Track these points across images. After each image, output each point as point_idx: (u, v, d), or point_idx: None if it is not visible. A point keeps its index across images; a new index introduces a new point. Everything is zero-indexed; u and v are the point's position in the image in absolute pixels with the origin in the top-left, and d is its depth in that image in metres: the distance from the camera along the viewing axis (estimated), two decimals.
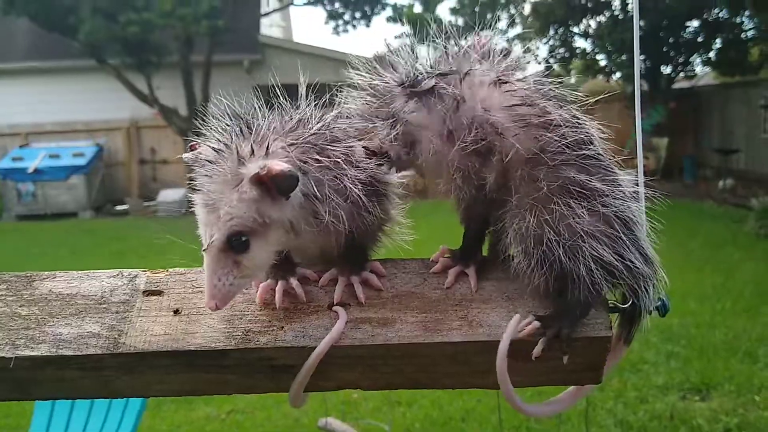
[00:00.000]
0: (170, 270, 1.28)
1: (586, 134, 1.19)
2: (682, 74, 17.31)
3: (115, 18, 14.42)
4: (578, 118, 1.20)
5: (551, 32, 17.54)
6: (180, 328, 1.18)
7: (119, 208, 16.50)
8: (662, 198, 1.23)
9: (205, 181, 1.11)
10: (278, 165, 1.07)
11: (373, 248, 1.32)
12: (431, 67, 1.23)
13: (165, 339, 1.16)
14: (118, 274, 1.27)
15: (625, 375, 4.90)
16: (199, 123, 1.19)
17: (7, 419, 4.68)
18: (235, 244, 1.10)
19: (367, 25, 19.36)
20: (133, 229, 13.49)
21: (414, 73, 1.22)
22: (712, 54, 16.86)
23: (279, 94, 1.22)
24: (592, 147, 1.18)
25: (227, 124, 1.16)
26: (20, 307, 1.22)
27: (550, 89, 1.22)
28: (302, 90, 1.22)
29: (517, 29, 18.89)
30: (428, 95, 1.20)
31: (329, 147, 1.16)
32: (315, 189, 1.13)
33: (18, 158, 15.77)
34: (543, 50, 18.35)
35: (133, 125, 17.50)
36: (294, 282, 1.23)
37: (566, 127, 1.16)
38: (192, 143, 1.17)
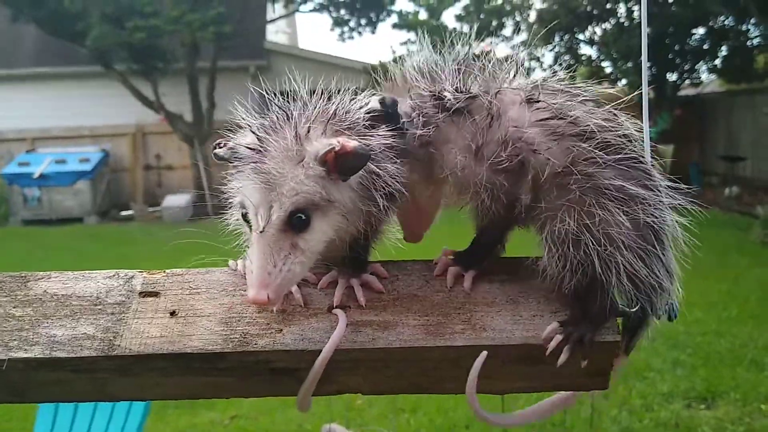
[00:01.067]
0: (167, 271, 1.26)
1: (624, 136, 1.17)
2: (687, 81, 17.28)
3: (122, 24, 14.48)
4: (616, 118, 1.19)
5: (557, 39, 17.54)
6: (176, 330, 1.15)
7: (124, 213, 16.52)
8: (697, 210, 1.20)
9: (255, 162, 1.08)
10: (351, 142, 1.06)
11: (373, 248, 1.29)
12: (461, 89, 1.21)
13: (161, 341, 1.14)
14: (114, 275, 1.25)
15: (631, 382, 4.89)
16: (230, 120, 1.17)
17: (9, 423, 4.66)
18: (296, 222, 1.07)
19: (373, 32, 19.35)
20: (138, 234, 13.51)
21: (445, 95, 1.20)
22: (717, 61, 16.83)
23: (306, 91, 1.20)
24: (630, 149, 1.16)
25: (267, 113, 1.14)
26: (14, 308, 1.20)
27: (583, 94, 1.21)
28: (299, 91, 1.20)
29: (522, 36, 18.90)
30: (458, 114, 1.18)
31: (368, 136, 1.15)
32: (371, 167, 1.11)
33: (24, 163, 15.81)
34: (548, 57, 18.37)
35: (139, 131, 17.56)
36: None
37: (601, 132, 1.14)
38: (219, 141, 1.15)
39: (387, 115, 1.17)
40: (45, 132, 17.43)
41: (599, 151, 1.12)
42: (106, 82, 16.35)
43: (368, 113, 1.17)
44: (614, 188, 1.11)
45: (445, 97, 1.19)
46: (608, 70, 17.58)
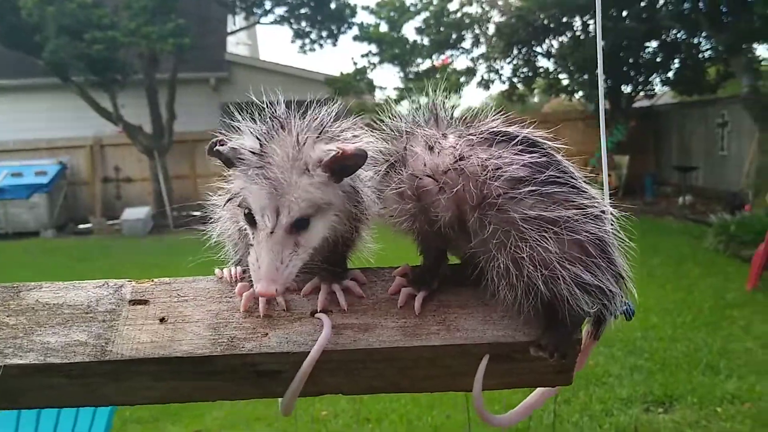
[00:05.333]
0: (155, 280, 1.31)
1: (537, 164, 1.20)
2: (642, 93, 17.70)
3: (81, 36, 14.36)
4: (532, 146, 1.22)
5: (515, 52, 17.84)
6: (166, 336, 1.20)
7: (82, 227, 16.32)
8: (626, 215, 1.25)
9: (260, 167, 1.15)
10: (350, 146, 1.16)
11: (350, 257, 1.37)
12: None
13: (152, 346, 1.19)
14: (103, 285, 1.30)
15: (591, 388, 4.99)
16: (227, 121, 1.24)
17: None
18: (299, 223, 1.16)
19: (334, 44, 19.41)
20: (96, 248, 13.34)
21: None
22: (670, 74, 17.27)
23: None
24: (547, 176, 1.19)
25: (267, 120, 1.21)
26: (7, 317, 1.24)
27: (489, 131, 1.24)
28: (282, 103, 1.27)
29: (482, 49, 19.14)
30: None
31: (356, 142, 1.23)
32: (360, 171, 1.22)
33: None
34: (507, 69, 18.65)
35: (97, 143, 17.37)
36: None
37: (507, 167, 1.18)
38: (218, 138, 1.21)
39: None
40: (1, 145, 17.14)
41: (507, 186, 1.17)
42: (64, 94, 16.23)
43: None
44: (532, 219, 1.15)
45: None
46: (565, 83, 17.94)
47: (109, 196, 17.53)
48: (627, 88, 17.37)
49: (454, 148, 1.22)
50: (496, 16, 18.32)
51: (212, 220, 1.37)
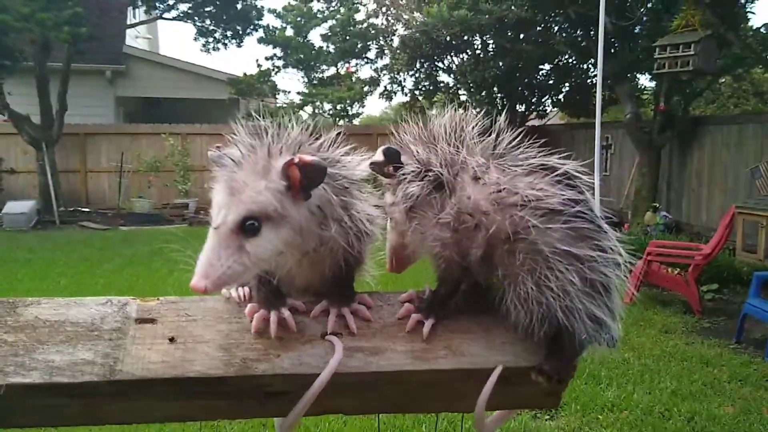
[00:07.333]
0: (161, 298, 1.30)
1: (570, 199, 1.28)
2: (534, 113, 18.45)
3: None
4: (558, 184, 1.30)
5: (417, 65, 18.17)
6: (177, 356, 1.19)
7: None
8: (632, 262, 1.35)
9: (230, 171, 1.20)
10: (310, 156, 1.18)
11: (354, 281, 1.41)
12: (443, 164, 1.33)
13: (163, 366, 1.18)
14: (107, 302, 1.27)
15: None
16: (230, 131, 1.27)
17: None
18: (248, 227, 1.17)
19: (239, 45, 19.12)
20: None
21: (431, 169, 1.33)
22: (561, 96, 18.10)
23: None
24: (577, 211, 1.26)
25: (254, 131, 1.25)
26: (5, 333, 1.19)
27: (529, 164, 1.33)
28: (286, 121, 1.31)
29: (386, 60, 19.38)
30: (433, 190, 1.31)
31: (344, 173, 1.29)
32: (331, 196, 1.24)
33: None
34: (409, 82, 18.96)
35: None
36: (286, 312, 1.28)
37: (540, 200, 1.25)
38: (218, 144, 1.27)
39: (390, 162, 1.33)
40: None
41: (540, 218, 1.23)
42: None
43: (372, 164, 1.33)
44: (560, 252, 1.23)
45: (431, 171, 1.32)
46: (463, 98, 18.42)
47: None
48: (521, 108, 18.06)
49: (498, 185, 1.27)
50: (401, 30, 18.60)
51: None
